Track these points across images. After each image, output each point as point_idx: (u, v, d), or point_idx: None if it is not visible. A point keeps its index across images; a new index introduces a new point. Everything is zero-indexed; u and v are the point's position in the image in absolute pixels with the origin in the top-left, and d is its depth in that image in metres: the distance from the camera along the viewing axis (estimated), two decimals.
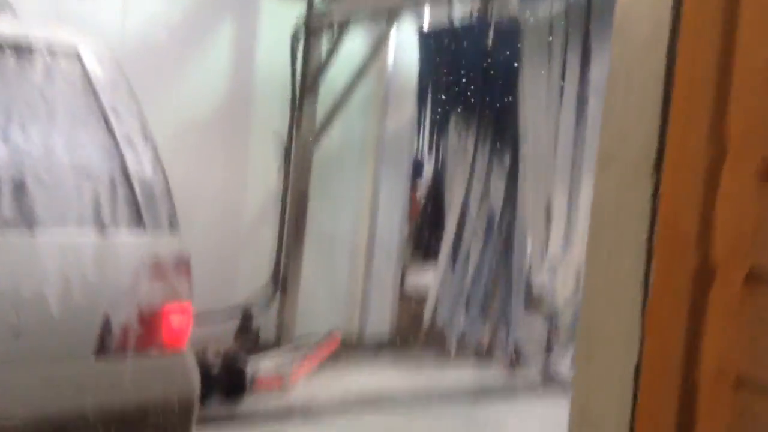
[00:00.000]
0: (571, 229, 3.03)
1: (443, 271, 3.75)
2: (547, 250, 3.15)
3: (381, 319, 4.59)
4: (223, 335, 3.74)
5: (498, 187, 3.63)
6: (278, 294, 3.97)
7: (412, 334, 4.36)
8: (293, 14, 3.97)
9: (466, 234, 3.83)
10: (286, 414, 3.12)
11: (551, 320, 3.42)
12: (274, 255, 4.04)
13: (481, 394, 3.66)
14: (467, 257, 3.75)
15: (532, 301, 3.56)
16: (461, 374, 3.97)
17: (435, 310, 3.98)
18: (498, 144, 3.68)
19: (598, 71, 2.81)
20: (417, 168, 4.62)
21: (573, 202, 3.02)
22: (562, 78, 3.07)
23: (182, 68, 3.93)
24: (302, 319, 4.05)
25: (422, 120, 4.17)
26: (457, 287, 3.74)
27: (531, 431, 3.13)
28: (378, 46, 4.23)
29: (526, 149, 3.27)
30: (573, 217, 3.02)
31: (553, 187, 3.07)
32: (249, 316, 3.80)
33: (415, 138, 4.40)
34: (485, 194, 3.75)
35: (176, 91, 3.88)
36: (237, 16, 4.09)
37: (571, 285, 3.01)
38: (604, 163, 0.77)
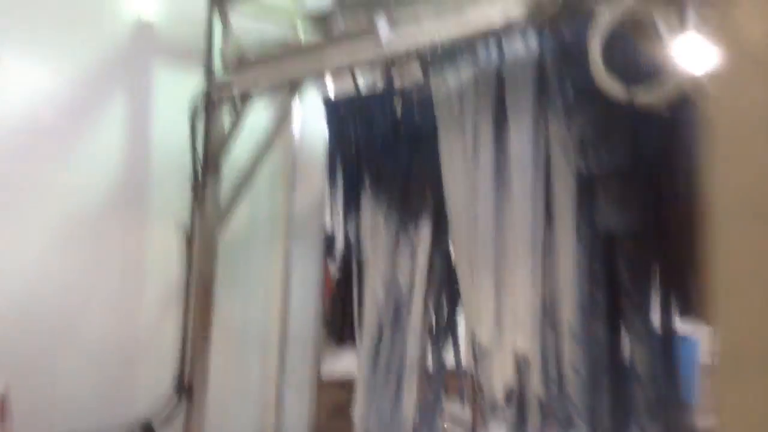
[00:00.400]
0: (502, 311, 2.83)
1: (365, 359, 3.48)
2: (476, 334, 2.93)
3: (299, 416, 4.23)
4: None
5: (404, 265, 3.43)
6: (183, 402, 3.57)
7: (337, 428, 4.03)
8: (190, 86, 3.70)
9: (384, 317, 3.60)
10: None
11: (490, 409, 3.18)
12: (177, 356, 3.65)
13: None
14: (392, 343, 3.49)
15: (465, 391, 3.34)
16: None
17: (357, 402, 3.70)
18: (412, 218, 3.50)
19: (516, 143, 2.67)
20: (329, 244, 4.39)
21: (500, 282, 2.83)
22: (476, 150, 2.93)
23: (70, 151, 3.57)
24: (211, 429, 3.65)
25: (333, 193, 3.97)
26: (382, 377, 3.47)
27: None
28: (282, 117, 3.98)
29: (449, 222, 3.08)
30: (503, 298, 2.82)
31: (478, 266, 2.88)
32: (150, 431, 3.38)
33: (326, 213, 4.17)
34: (403, 272, 3.55)
35: (64, 178, 3.52)
36: (129, 91, 3.79)
37: (509, 371, 2.78)
38: None
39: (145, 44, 3.80)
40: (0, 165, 3.33)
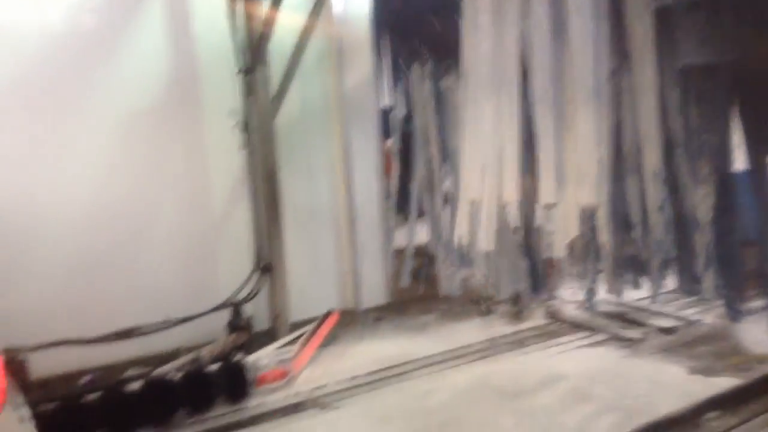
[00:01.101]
0: (562, 169, 2.80)
1: (433, 223, 3.55)
2: (537, 192, 2.93)
3: (376, 286, 4.40)
4: (216, 334, 3.53)
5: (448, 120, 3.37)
6: (265, 281, 3.74)
7: (411, 293, 4.18)
8: None
9: (448, 181, 3.62)
10: (296, 409, 2.94)
11: (557, 263, 3.22)
12: (253, 239, 3.80)
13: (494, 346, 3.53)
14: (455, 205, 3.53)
15: (529, 247, 3.38)
16: (471, 329, 3.85)
17: (431, 263, 3.80)
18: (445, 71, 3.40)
19: None
20: (384, 120, 4.37)
21: (559, 138, 2.78)
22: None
23: (117, 54, 3.58)
24: (294, 302, 3.84)
25: (381, 69, 3.89)
26: (439, 236, 3.54)
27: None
28: None
29: (473, 79, 2.95)
30: (561, 155, 2.79)
31: (534, 122, 2.82)
32: (238, 309, 3.58)
33: (378, 87, 4.12)
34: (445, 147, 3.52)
35: (114, 79, 3.56)
36: None
37: (573, 227, 2.80)
38: None
39: None
40: (51, 74, 3.37)
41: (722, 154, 2.59)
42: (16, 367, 2.77)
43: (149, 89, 3.66)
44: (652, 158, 2.62)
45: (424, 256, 4.34)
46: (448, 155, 3.91)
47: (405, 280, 4.08)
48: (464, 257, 3.50)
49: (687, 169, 2.62)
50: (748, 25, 2.24)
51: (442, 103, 3.62)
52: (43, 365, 3.07)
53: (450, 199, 3.96)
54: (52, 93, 3.40)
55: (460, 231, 3.27)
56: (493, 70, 2.95)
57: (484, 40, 2.95)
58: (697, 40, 2.28)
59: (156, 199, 3.69)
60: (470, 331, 3.83)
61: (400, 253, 4.45)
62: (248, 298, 3.66)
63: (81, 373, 3.21)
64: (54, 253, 3.38)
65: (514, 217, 3.04)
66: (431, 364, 3.34)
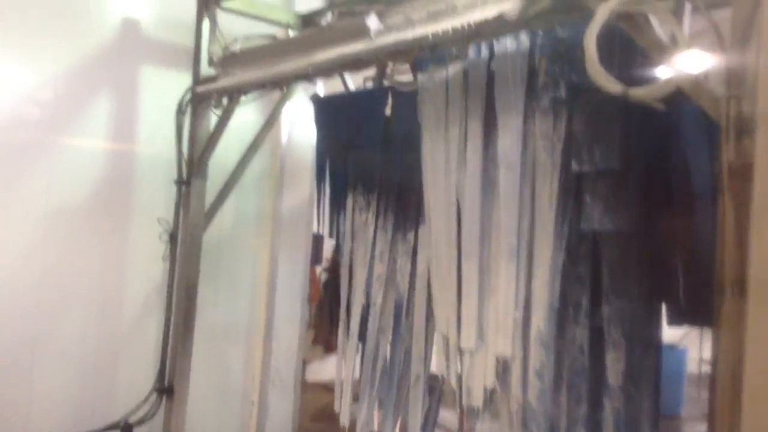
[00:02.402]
0: (484, 315, 2.79)
1: (352, 363, 3.44)
2: (459, 336, 2.90)
3: (283, 417, 4.17)
4: None
5: (403, 267, 3.40)
6: (163, 402, 3.51)
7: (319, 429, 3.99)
8: (178, 85, 3.66)
9: (371, 320, 3.56)
10: None
11: (469, 413, 3.14)
12: (159, 356, 3.59)
13: None
14: (376, 346, 3.45)
15: (442, 395, 3.29)
16: None
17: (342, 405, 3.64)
18: (401, 219, 3.46)
19: (505, 141, 2.65)
20: (316, 246, 4.35)
21: (485, 285, 2.80)
22: (464, 148, 2.91)
23: (55, 148, 3.52)
24: (192, 429, 3.59)
25: (321, 194, 3.92)
26: (368, 380, 3.42)
27: None
28: (270, 116, 3.97)
29: (426, 225, 3.05)
30: (485, 301, 2.79)
31: (461, 268, 2.85)
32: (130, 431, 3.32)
33: (314, 214, 4.12)
34: (390, 275, 3.51)
35: (48, 174, 3.47)
36: (115, 88, 3.74)
37: (490, 376, 2.75)
38: None
39: (132, 42, 3.76)
40: None
41: (633, 320, 2.63)
42: None
43: (81, 187, 3.58)
44: (537, 320, 2.63)
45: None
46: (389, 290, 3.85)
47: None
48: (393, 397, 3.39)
49: (591, 335, 2.63)
50: (655, 195, 2.35)
51: (368, 236, 3.65)
52: None
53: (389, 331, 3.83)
54: None
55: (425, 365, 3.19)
56: (435, 217, 2.99)
57: (431, 184, 3.01)
58: (605, 207, 2.36)
59: (65, 300, 3.49)
60: None
61: (311, 387, 4.28)
62: (143, 420, 3.40)
63: None
64: None
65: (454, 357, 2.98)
66: None
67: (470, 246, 2.81)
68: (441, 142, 2.94)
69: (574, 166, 2.38)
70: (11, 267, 3.33)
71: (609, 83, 1.83)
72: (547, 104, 2.46)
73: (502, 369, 2.74)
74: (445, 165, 2.97)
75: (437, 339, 3.17)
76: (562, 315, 2.57)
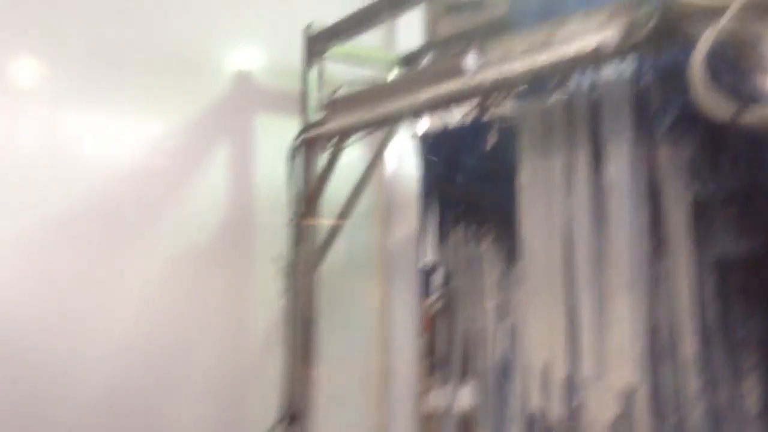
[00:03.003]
0: (602, 347, 2.76)
1: (480, 391, 3.48)
2: (576, 370, 2.87)
3: None
4: None
5: (514, 298, 3.41)
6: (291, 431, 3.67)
7: None
8: (288, 131, 3.87)
9: (483, 351, 3.59)
10: None
11: None
12: (283, 388, 3.77)
13: None
14: (490, 378, 3.46)
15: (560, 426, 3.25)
16: None
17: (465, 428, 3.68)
18: (511, 250, 3.50)
19: (614, 171, 2.64)
20: (426, 278, 4.43)
21: (602, 316, 2.77)
22: (570, 177, 2.91)
23: (179, 194, 3.82)
24: None
25: (427, 227, 4.02)
26: (496, 410, 3.44)
27: None
28: (376, 155, 4.12)
29: (528, 258, 3.06)
30: (604, 332, 2.76)
31: (573, 300, 2.83)
32: None
33: (422, 247, 4.23)
34: (502, 306, 3.53)
35: (174, 218, 3.76)
36: (231, 137, 4.01)
37: (611, 408, 2.70)
38: None
39: (245, 92, 4.02)
40: (117, 206, 3.58)
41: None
42: None
43: (204, 230, 3.84)
44: (686, 345, 2.55)
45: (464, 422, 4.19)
46: (501, 317, 3.87)
47: None
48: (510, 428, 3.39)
49: (728, 359, 2.55)
50: None
51: (479, 266, 3.69)
52: None
53: (505, 364, 3.85)
54: (113, 225, 3.60)
55: (529, 399, 3.19)
56: (542, 244, 3.00)
57: (536, 217, 3.03)
58: (736, 232, 2.28)
59: (193, 338, 3.74)
60: None
61: (430, 417, 4.32)
62: None
63: None
64: (88, 388, 3.42)
65: (561, 390, 2.96)
66: None
67: (584, 277, 2.79)
68: (541, 172, 2.96)
69: (699, 191, 2.33)
70: (144, 308, 3.60)
71: (717, 109, 1.80)
72: (661, 130, 2.43)
73: (627, 399, 2.69)
74: (546, 196, 2.98)
75: (531, 373, 3.14)
76: (704, 340, 2.51)
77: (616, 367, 2.68)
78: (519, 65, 2.59)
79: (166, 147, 3.80)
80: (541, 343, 3.03)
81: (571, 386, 2.92)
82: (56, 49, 3.48)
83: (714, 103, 1.79)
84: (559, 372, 2.92)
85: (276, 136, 3.93)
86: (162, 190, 3.75)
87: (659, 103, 2.40)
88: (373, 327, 4.27)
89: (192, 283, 3.76)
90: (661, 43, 2.13)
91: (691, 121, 2.30)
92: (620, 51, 2.21)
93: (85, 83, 3.55)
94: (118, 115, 3.63)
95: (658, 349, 2.61)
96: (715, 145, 2.28)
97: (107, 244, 3.55)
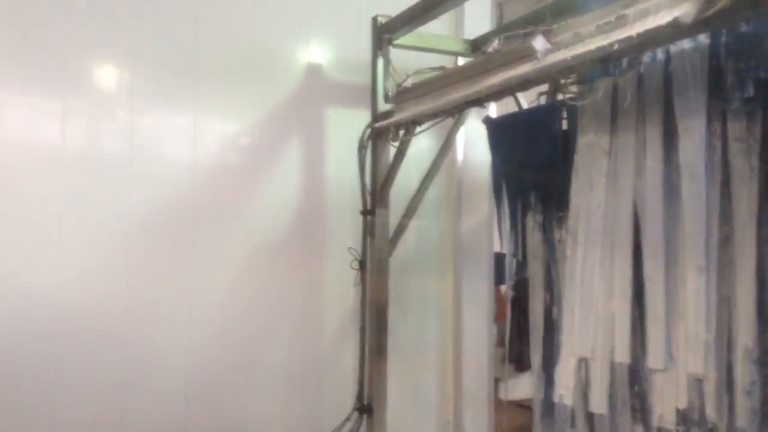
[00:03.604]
0: (671, 334, 2.64)
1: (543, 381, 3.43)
2: (645, 356, 2.76)
3: None
4: None
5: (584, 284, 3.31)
6: (364, 420, 3.72)
7: None
8: (358, 121, 3.91)
9: (562, 336, 3.51)
10: None
11: None
12: (357, 376, 3.83)
13: None
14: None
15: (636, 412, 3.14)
16: None
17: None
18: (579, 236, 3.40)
19: (687, 146, 2.52)
20: (499, 265, 4.38)
21: (669, 302, 2.66)
22: (643, 156, 2.80)
23: (256, 187, 3.93)
24: None
25: (499, 213, 3.96)
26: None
27: None
28: (445, 142, 4.10)
29: (593, 242, 2.95)
30: (671, 320, 2.64)
31: (644, 285, 2.73)
32: None
33: (494, 233, 4.17)
34: (572, 293, 3.45)
35: (252, 211, 3.87)
36: (304, 130, 4.08)
37: (681, 396, 2.59)
38: None
39: (315, 86, 4.09)
40: (196, 203, 3.71)
41: None
42: None
43: (278, 224, 3.93)
44: (745, 335, 2.41)
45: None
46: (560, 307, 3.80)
47: None
48: (565, 418, 3.31)
49: None
50: None
51: (553, 254, 3.61)
52: None
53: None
54: (192, 221, 3.74)
55: (562, 389, 3.11)
56: (604, 227, 2.92)
57: (597, 198, 2.94)
58: None
59: (269, 329, 3.84)
60: None
61: (506, 406, 4.29)
62: None
63: None
64: (170, 377, 3.57)
65: (624, 379, 2.87)
66: None
67: (655, 261, 2.68)
68: (604, 150, 2.86)
69: None
70: (221, 300, 3.73)
71: None
72: (738, 104, 2.31)
73: (696, 389, 2.58)
74: (608, 174, 2.87)
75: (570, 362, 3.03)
76: None
77: (686, 356, 2.57)
78: (591, 45, 2.51)
79: (241, 144, 3.91)
80: (605, 331, 2.94)
81: (635, 375, 2.82)
82: (135, 55, 3.65)
83: None
84: (623, 359, 2.83)
85: (347, 127, 3.98)
86: (238, 186, 3.87)
87: (735, 76, 2.29)
88: (445, 316, 4.27)
89: (268, 275, 3.86)
90: (740, 13, 2.02)
91: None
92: (699, 24, 2.11)
93: (163, 87, 3.71)
94: (194, 116, 3.77)
95: (727, 339, 2.47)
96: None
97: (187, 240, 3.70)
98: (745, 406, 2.43)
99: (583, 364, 3.00)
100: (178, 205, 3.70)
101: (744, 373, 2.41)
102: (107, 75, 3.69)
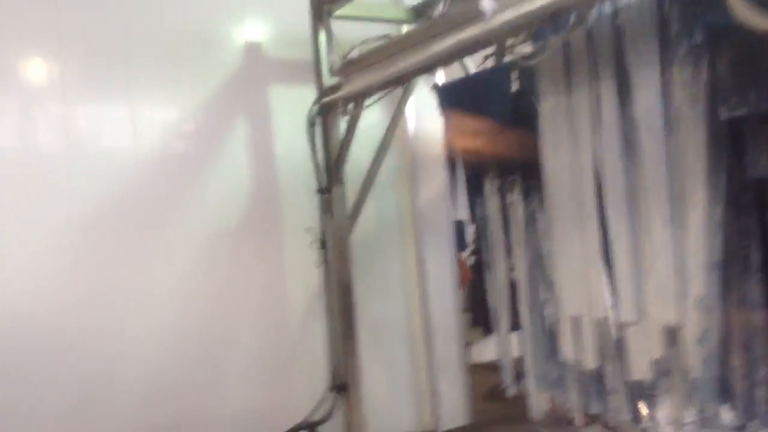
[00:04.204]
0: (640, 285, 2.68)
1: (525, 339, 3.45)
2: (615, 309, 2.80)
3: (454, 401, 4.26)
4: None
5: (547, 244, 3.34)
6: (340, 400, 3.68)
7: (493, 414, 4.02)
8: (305, 98, 3.79)
9: (523, 294, 3.54)
10: None
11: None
12: (328, 356, 3.77)
13: None
14: (529, 323, 3.42)
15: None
16: None
17: (517, 377, 3.66)
18: (536, 194, 3.41)
19: (643, 98, 2.53)
20: (459, 232, 4.37)
21: (636, 254, 2.68)
22: (598, 111, 2.81)
23: (203, 174, 3.79)
24: (372, 421, 3.74)
25: (455, 181, 3.94)
26: (534, 351, 3.40)
27: None
28: (396, 114, 4.04)
29: (556, 200, 2.97)
30: (639, 272, 2.67)
31: (609, 242, 2.75)
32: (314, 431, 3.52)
33: (451, 201, 4.15)
34: (535, 256, 3.45)
35: (200, 199, 3.74)
36: (248, 111, 3.96)
37: (657, 347, 2.63)
38: None
39: (256, 65, 3.96)
40: (142, 196, 3.57)
41: None
42: None
43: (232, 209, 3.82)
44: (697, 284, 2.45)
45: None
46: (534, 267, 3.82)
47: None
48: (558, 376, 3.36)
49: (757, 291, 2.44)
50: None
51: (508, 217, 3.63)
52: None
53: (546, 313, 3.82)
54: (139, 215, 3.59)
55: (566, 349, 3.14)
56: (571, 188, 2.93)
57: (563, 159, 2.95)
58: None
59: (234, 316, 3.75)
60: None
61: (477, 368, 4.32)
62: (325, 419, 3.59)
63: None
64: (134, 375, 3.45)
65: (605, 335, 2.91)
66: None
67: (619, 217, 2.70)
68: (563, 111, 2.86)
69: (724, 113, 2.23)
70: (177, 295, 3.60)
71: (755, 19, 1.70)
72: (684, 52, 2.32)
73: (669, 338, 2.63)
74: (569, 134, 2.87)
75: (562, 322, 3.08)
76: (728, 273, 2.41)
77: (655, 307, 2.61)
78: (538, 2, 2.48)
79: (183, 130, 3.77)
80: (576, 288, 2.97)
81: (609, 329, 2.86)
82: (64, 48, 3.45)
83: (751, 12, 1.70)
84: (598, 314, 2.86)
85: (294, 105, 3.87)
86: (184, 173, 3.74)
87: (684, 21, 2.29)
88: (410, 287, 4.25)
89: (224, 263, 3.76)
90: None
91: (721, 37, 2.19)
92: None
93: (95, 77, 3.52)
94: (131, 104, 3.60)
95: (686, 287, 2.51)
96: (750, 60, 2.17)
97: (135, 234, 3.55)
98: (697, 354, 2.47)
99: (574, 322, 3.04)
100: (123, 199, 3.55)
101: (696, 321, 2.46)
102: (35, 69, 3.49)
